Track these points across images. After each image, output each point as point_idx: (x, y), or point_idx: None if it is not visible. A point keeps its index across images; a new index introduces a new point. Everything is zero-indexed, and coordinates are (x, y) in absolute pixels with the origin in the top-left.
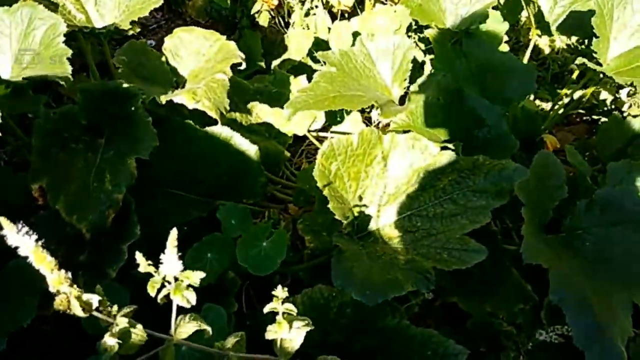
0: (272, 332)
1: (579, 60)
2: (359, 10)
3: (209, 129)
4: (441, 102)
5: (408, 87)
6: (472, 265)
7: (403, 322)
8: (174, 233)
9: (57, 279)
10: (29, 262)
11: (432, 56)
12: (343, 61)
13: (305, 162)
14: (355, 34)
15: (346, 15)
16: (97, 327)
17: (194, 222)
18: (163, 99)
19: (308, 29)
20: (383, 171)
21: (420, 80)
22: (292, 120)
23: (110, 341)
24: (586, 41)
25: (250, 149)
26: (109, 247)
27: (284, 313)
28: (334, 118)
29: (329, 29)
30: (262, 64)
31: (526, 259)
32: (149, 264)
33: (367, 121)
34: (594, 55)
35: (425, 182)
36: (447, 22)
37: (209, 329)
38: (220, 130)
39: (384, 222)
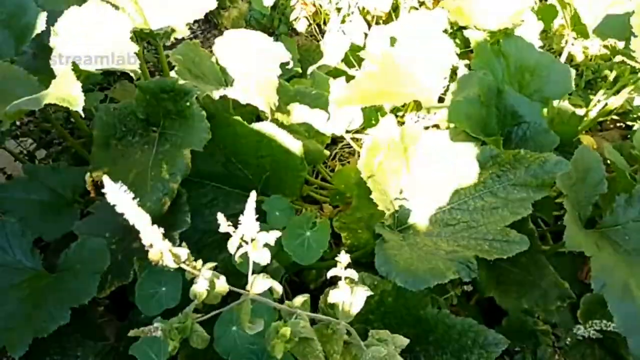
0: (335, 296)
1: (619, 57)
2: (393, 17)
3: (255, 125)
4: (482, 99)
5: (446, 88)
6: (513, 254)
7: (443, 311)
8: (253, 196)
9: (151, 232)
10: (92, 244)
11: (465, 61)
12: (384, 61)
13: (339, 165)
14: (393, 39)
15: (381, 21)
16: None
17: (236, 214)
18: (216, 95)
19: (344, 35)
20: (424, 165)
21: (460, 78)
22: (332, 120)
23: (200, 288)
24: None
25: (294, 145)
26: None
27: (346, 278)
28: (369, 120)
29: (365, 34)
30: (299, 69)
31: (569, 246)
32: (229, 225)
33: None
34: (632, 54)
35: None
36: (485, 23)
37: (280, 288)
38: (266, 127)
39: (424, 215)
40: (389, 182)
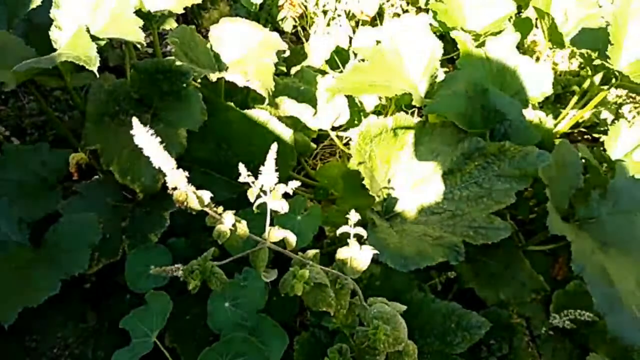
0: (344, 253)
1: (597, 61)
2: (378, 22)
3: (247, 111)
4: (469, 95)
5: (432, 85)
6: (497, 240)
7: (428, 295)
8: (274, 147)
9: (176, 175)
10: (82, 218)
11: (443, 69)
12: (375, 56)
13: (320, 164)
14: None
15: (365, 25)
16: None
17: (223, 202)
18: (213, 77)
19: (329, 37)
20: (412, 156)
21: (447, 76)
22: (318, 115)
23: (224, 227)
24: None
25: (286, 134)
26: (151, 215)
27: (355, 235)
28: (352, 121)
29: (350, 38)
30: (284, 68)
31: (552, 230)
32: (248, 175)
33: None
34: (608, 61)
35: (453, 166)
36: (471, 26)
37: (294, 238)
38: (259, 114)
39: (412, 204)
40: (379, 170)
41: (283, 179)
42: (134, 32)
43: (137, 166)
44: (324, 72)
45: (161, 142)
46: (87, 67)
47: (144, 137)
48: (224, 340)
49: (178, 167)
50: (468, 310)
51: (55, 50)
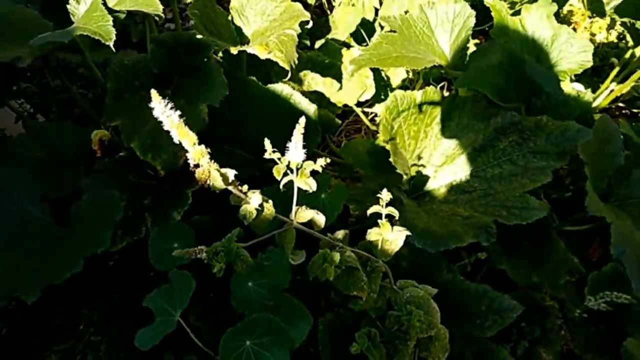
0: (375, 234)
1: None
2: None
3: (270, 86)
4: (503, 67)
5: (464, 56)
6: (532, 221)
7: (458, 277)
8: (302, 121)
9: (198, 152)
10: (104, 195)
11: (475, 40)
12: (404, 26)
13: (345, 140)
14: (406, 12)
15: None
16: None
17: (246, 180)
18: (234, 50)
19: (354, 9)
20: (442, 131)
21: (480, 46)
22: (344, 89)
23: (250, 207)
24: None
25: (310, 108)
26: (173, 192)
27: (387, 215)
28: (377, 96)
29: (376, 10)
30: (307, 41)
31: (591, 211)
32: (274, 151)
33: None
34: None
35: (485, 143)
36: None
37: (322, 218)
38: (282, 88)
39: (441, 182)
40: (407, 147)
41: (308, 156)
42: (153, 3)
43: (158, 143)
44: (348, 46)
45: (182, 118)
46: (103, 41)
47: (163, 111)
48: (248, 320)
49: (199, 144)
50: (499, 293)
51: (72, 22)
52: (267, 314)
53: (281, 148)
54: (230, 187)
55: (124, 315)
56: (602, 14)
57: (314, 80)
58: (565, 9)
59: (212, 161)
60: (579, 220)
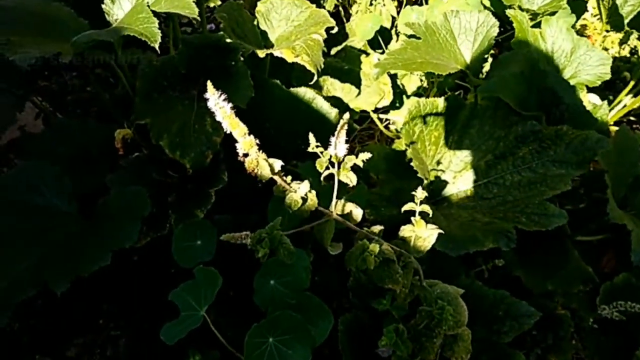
0: (408, 230)
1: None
2: (423, 1)
3: (293, 89)
4: (525, 76)
5: (485, 65)
6: (552, 228)
7: (476, 282)
8: (346, 117)
9: (248, 143)
10: (132, 191)
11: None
12: (427, 33)
13: (359, 146)
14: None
15: (409, 5)
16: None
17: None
18: (262, 54)
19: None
20: (462, 138)
21: (502, 56)
22: (362, 95)
23: (297, 196)
24: None
25: (331, 112)
26: (197, 191)
27: (420, 213)
28: (392, 103)
29: (393, 17)
30: (324, 48)
31: (613, 218)
32: (317, 145)
33: None
34: None
35: (505, 150)
36: (528, 4)
37: (360, 212)
38: (304, 92)
39: (460, 188)
40: (427, 152)
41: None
42: (189, 6)
43: (187, 141)
44: (366, 53)
45: (210, 118)
46: (149, 43)
47: (216, 102)
48: (271, 317)
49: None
50: (517, 299)
51: (107, 22)
52: (290, 312)
53: (304, 148)
54: (275, 177)
55: (145, 310)
56: (620, 28)
57: (333, 86)
58: (579, 23)
59: (260, 151)
60: (593, 230)
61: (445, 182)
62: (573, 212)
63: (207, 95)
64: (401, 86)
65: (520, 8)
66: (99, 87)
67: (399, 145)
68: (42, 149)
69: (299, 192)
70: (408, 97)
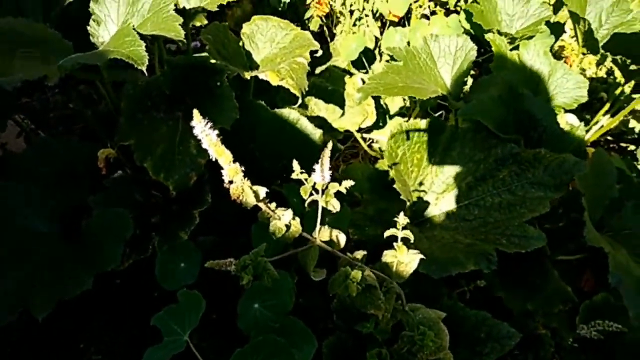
0: (390, 256)
1: (633, 67)
2: (406, 22)
3: (278, 110)
4: (504, 99)
5: (465, 88)
6: (531, 249)
7: (458, 303)
8: (330, 145)
9: (233, 170)
10: (114, 213)
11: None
12: (408, 57)
13: (343, 165)
14: (408, 43)
15: (392, 27)
16: None
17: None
18: (247, 75)
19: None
20: (443, 160)
21: (481, 79)
22: (346, 116)
23: (280, 224)
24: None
25: (315, 133)
26: (181, 212)
27: (402, 239)
28: (375, 122)
29: (376, 38)
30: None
31: (589, 241)
32: (301, 172)
33: None
34: None
35: (485, 172)
36: (506, 29)
37: (344, 238)
38: (289, 113)
39: (442, 209)
40: (409, 174)
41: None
42: (175, 29)
43: (171, 164)
44: (349, 73)
45: (195, 140)
46: (136, 65)
47: (202, 130)
48: (254, 342)
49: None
50: (498, 321)
51: (92, 44)
52: (273, 336)
53: (288, 169)
54: (260, 204)
55: (128, 334)
56: (595, 51)
57: (317, 106)
58: (557, 44)
59: (246, 178)
60: (572, 250)
61: (428, 203)
62: (552, 232)
63: (193, 122)
64: (384, 106)
65: (499, 32)
66: (82, 104)
67: (382, 165)
68: (24, 168)
69: (283, 219)
70: (391, 117)
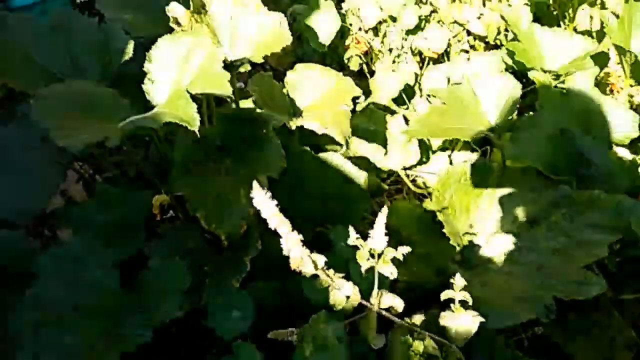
0: (448, 318)
1: None
2: (445, 58)
3: (322, 155)
4: (553, 139)
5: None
6: (590, 297)
7: (516, 352)
8: (385, 210)
9: (294, 240)
10: (172, 263)
11: None
12: (450, 97)
13: (387, 201)
14: (448, 79)
15: (431, 63)
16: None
17: None
18: (293, 125)
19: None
20: (493, 203)
21: (526, 118)
22: (389, 155)
23: (340, 295)
24: None
25: (360, 177)
26: (232, 259)
27: (460, 301)
28: (420, 159)
29: (416, 75)
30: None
31: None
32: (357, 238)
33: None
34: None
35: (538, 215)
36: (550, 66)
37: (401, 304)
38: (334, 157)
39: (493, 253)
40: (459, 217)
41: (357, 222)
42: (223, 86)
43: (223, 214)
44: (389, 109)
45: (244, 189)
46: (189, 127)
47: (263, 200)
48: None
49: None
50: None
51: (147, 101)
52: None
53: (334, 213)
54: (318, 272)
55: None
56: None
57: (360, 146)
58: (603, 71)
59: (304, 247)
60: (632, 288)
61: (479, 247)
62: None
63: (253, 193)
64: (427, 141)
65: (542, 69)
66: (134, 150)
67: (429, 204)
68: (84, 217)
69: (344, 291)
70: (434, 152)
